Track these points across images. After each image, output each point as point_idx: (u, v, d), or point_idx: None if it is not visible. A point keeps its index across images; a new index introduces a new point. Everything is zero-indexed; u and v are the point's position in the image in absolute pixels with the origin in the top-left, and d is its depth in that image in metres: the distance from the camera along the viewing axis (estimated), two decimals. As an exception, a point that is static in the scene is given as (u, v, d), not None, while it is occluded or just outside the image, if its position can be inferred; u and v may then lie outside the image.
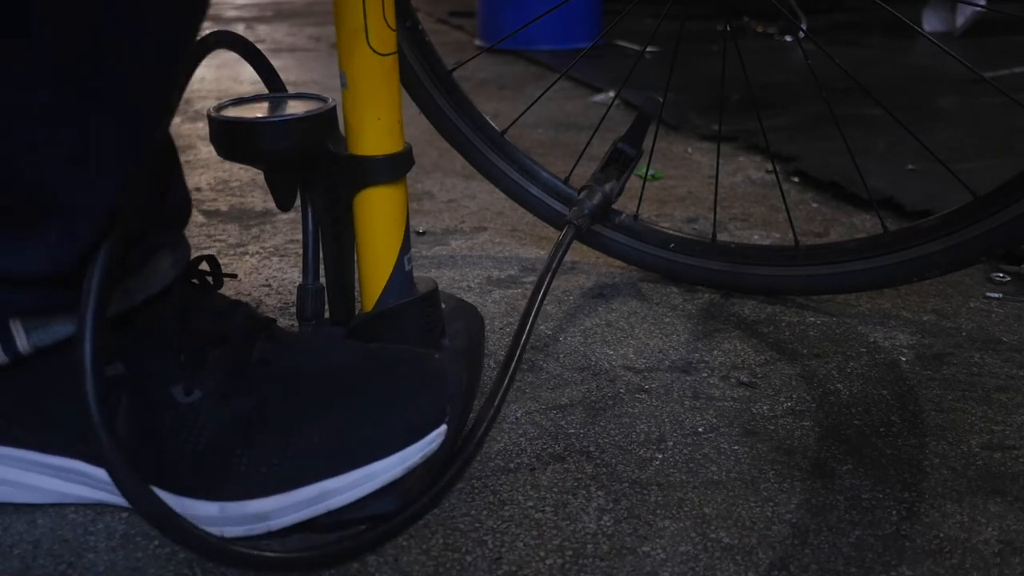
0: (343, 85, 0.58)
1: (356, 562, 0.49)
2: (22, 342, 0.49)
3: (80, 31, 0.40)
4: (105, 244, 0.45)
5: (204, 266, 0.58)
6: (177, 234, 0.56)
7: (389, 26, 0.57)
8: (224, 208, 1.11)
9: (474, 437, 0.57)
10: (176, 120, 1.59)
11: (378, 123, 0.58)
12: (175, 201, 0.55)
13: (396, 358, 0.56)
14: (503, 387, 0.61)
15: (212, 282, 0.57)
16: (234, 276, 0.59)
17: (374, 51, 0.56)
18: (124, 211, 0.46)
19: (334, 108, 0.58)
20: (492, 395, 0.60)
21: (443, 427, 0.53)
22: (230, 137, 0.55)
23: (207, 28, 0.53)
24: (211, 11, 3.12)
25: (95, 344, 0.44)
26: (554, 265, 0.72)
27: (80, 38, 0.40)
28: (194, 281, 0.57)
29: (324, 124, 0.57)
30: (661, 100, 0.79)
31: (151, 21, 0.41)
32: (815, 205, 1.11)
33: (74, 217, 0.45)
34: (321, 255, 0.63)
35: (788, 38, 2.43)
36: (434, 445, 0.52)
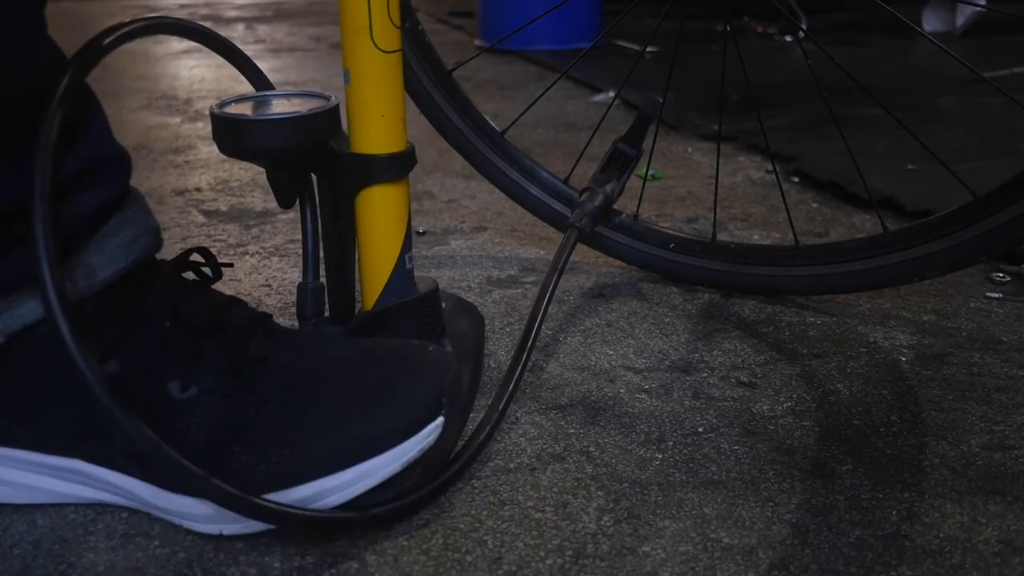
0: (346, 82, 0.58)
1: (356, 562, 0.49)
2: None
3: None
4: (36, 188, 0.45)
5: (199, 259, 0.57)
6: (116, 192, 0.54)
7: (394, 23, 0.57)
8: (224, 208, 1.11)
9: (478, 437, 0.57)
10: (176, 120, 1.59)
11: (381, 121, 0.58)
12: (95, 146, 0.53)
13: (391, 352, 0.56)
14: (509, 390, 0.61)
15: (211, 274, 0.57)
16: (230, 265, 0.59)
17: (378, 48, 0.56)
18: (36, 147, 0.45)
19: (337, 106, 0.58)
20: (498, 398, 0.60)
21: (440, 419, 0.53)
22: (233, 134, 0.55)
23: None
24: (211, 11, 3.09)
25: (52, 267, 0.44)
26: (559, 269, 0.72)
27: None
28: (192, 276, 0.56)
29: (327, 122, 0.57)
30: (661, 100, 0.79)
31: None
32: (815, 205, 1.11)
33: None
34: (322, 254, 0.63)
35: (788, 38, 2.43)
36: (431, 439, 0.52)
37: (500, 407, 0.60)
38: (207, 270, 0.57)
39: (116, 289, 0.52)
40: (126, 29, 0.50)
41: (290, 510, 0.48)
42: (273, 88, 0.61)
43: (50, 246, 0.45)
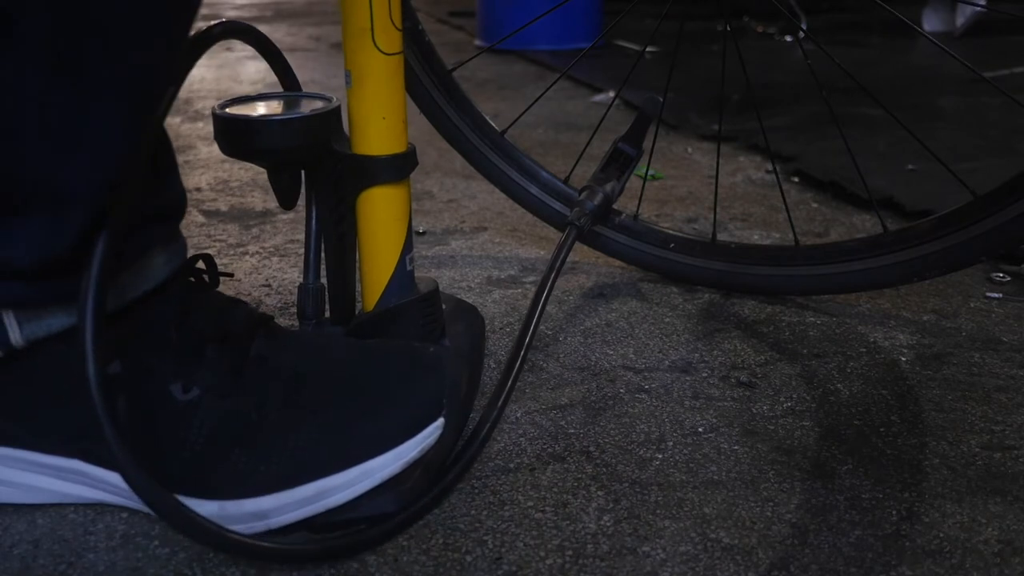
0: (348, 84, 0.58)
1: (356, 562, 0.49)
2: (15, 335, 0.49)
3: (69, 9, 0.39)
4: (104, 232, 0.45)
5: (201, 265, 0.58)
6: (171, 229, 0.55)
7: (395, 26, 0.57)
8: (224, 208, 1.11)
9: (478, 436, 0.57)
10: (176, 120, 1.59)
11: (383, 122, 0.58)
12: (170, 195, 0.55)
13: (392, 353, 0.56)
14: (507, 387, 0.61)
15: (209, 280, 0.57)
16: (230, 275, 0.59)
17: (380, 50, 0.56)
18: (117, 199, 0.45)
19: (338, 107, 0.58)
20: (496, 395, 0.60)
21: (440, 420, 0.53)
22: (235, 134, 0.55)
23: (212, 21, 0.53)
24: (210, 10, 3.09)
25: (96, 331, 0.44)
26: (557, 266, 0.72)
27: (69, 17, 0.39)
28: (191, 280, 0.57)
29: (329, 123, 0.57)
30: (661, 100, 0.79)
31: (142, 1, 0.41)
32: (815, 205, 1.11)
33: (64, 204, 0.45)
34: (323, 254, 0.63)
35: (788, 38, 2.43)
36: (431, 439, 0.52)
37: (499, 404, 0.60)
38: (207, 277, 0.57)
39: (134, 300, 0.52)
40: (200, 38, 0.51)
41: (267, 546, 0.47)
42: (299, 84, 0.62)
43: (102, 280, 0.45)
